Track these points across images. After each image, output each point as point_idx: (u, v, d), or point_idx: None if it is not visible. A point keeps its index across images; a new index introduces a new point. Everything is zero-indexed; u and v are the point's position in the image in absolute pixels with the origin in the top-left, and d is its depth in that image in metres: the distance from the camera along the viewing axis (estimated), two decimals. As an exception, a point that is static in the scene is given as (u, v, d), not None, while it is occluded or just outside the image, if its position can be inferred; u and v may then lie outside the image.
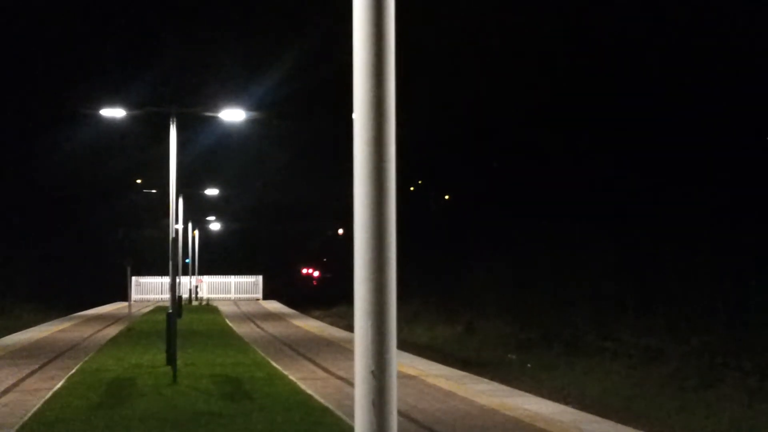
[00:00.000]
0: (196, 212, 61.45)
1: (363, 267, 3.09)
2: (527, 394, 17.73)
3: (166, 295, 50.89)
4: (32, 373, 21.27)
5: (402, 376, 19.45)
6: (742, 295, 26.22)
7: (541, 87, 47.25)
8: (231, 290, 65.21)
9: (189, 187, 49.69)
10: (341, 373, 20.50)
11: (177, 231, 31.52)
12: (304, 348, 27.20)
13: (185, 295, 54.69)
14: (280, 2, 69.15)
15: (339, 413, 14.85)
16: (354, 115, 3.14)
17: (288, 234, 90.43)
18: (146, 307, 53.87)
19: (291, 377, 19.78)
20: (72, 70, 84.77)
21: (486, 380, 19.87)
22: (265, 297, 63.71)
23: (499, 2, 50.32)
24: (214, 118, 25.83)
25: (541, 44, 48.03)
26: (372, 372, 3.05)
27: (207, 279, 65.53)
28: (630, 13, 42.72)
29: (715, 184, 33.49)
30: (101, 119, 26.66)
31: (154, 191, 57.85)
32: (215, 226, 78.21)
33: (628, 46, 41.80)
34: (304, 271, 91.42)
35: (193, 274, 62.00)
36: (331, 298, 54.15)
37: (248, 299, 62.79)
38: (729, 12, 37.31)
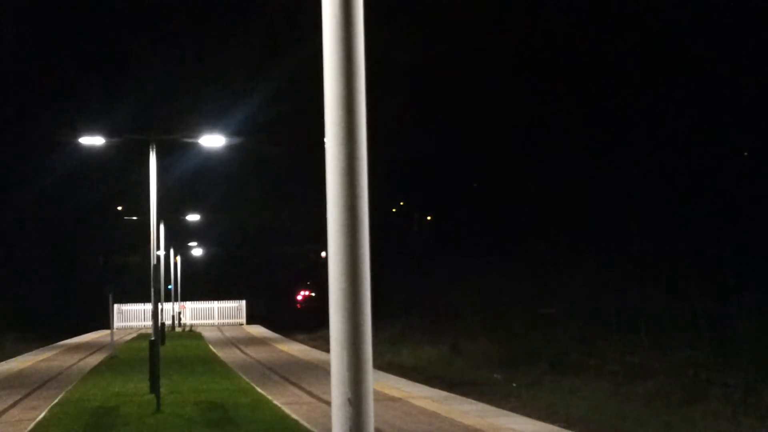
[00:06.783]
0: (177, 238, 61.23)
1: (337, 296, 3.07)
2: (513, 413, 17.68)
3: (149, 322, 50.60)
4: (15, 403, 21.08)
5: (387, 399, 19.37)
6: (724, 310, 26.30)
7: (522, 108, 47.52)
8: (214, 315, 64.88)
9: (170, 212, 49.51)
10: (327, 397, 20.37)
11: (159, 257, 31.33)
12: (288, 372, 27.06)
13: (168, 322, 54.40)
14: (256, 30, 69.36)
15: (324, 438, 14.78)
16: (326, 141, 3.12)
17: (270, 258, 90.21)
18: (129, 334, 53.53)
19: (276, 402, 19.66)
20: (50, 97, 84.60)
21: (472, 400, 19.81)
22: (249, 321, 63.44)
23: (479, 28, 50.66)
24: (195, 144, 25.76)
25: (517, 67, 48.34)
26: (349, 400, 3.03)
27: (190, 305, 65.19)
28: (611, 35, 43.08)
29: (696, 203, 33.69)
30: (81, 147, 26.54)
31: (135, 218, 57.64)
32: (197, 251, 77.98)
33: (602, 71, 42.13)
34: (300, 294, 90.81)
35: (176, 300, 61.67)
36: (315, 321, 53.93)
37: (232, 324, 62.50)
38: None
